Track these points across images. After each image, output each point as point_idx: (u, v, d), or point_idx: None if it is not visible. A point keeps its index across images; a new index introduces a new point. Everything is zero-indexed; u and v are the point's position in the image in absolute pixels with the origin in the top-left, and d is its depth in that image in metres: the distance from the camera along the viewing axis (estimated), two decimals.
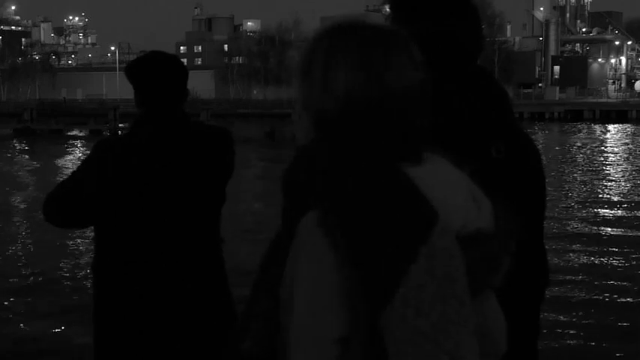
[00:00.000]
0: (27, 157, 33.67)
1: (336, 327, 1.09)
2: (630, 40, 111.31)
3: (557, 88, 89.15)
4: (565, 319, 7.78)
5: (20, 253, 11.72)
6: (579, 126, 57.27)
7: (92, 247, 2.98)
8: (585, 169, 26.52)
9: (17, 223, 14.74)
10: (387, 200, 1.09)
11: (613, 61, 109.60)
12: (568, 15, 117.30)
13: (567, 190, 19.82)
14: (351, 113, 1.17)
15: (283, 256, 1.18)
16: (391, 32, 1.22)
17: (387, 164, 1.14)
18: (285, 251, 1.17)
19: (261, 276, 1.25)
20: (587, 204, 17.37)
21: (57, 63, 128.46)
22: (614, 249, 11.94)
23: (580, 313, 8.09)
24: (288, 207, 1.19)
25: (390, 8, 1.84)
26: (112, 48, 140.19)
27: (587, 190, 20.13)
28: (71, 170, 2.85)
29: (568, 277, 9.63)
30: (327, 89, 1.19)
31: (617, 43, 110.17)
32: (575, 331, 7.45)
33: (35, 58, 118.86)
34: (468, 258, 1.16)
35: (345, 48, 1.19)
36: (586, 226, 14.16)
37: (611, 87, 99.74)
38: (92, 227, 2.84)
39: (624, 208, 16.89)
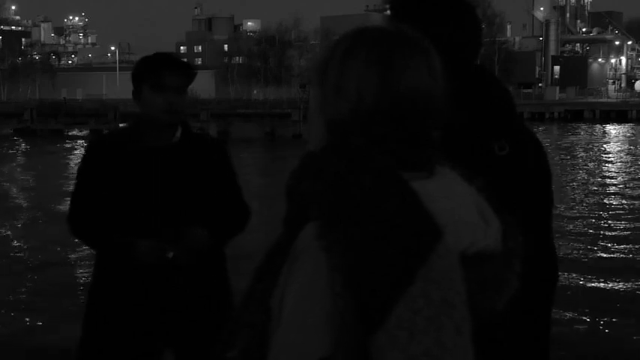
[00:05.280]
0: (27, 157, 33.66)
1: (320, 346, 1.06)
2: (630, 40, 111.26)
3: (557, 88, 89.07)
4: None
5: (21, 254, 11.72)
6: (579, 126, 57.26)
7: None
8: (585, 169, 26.52)
9: (17, 224, 14.74)
10: (389, 216, 1.05)
11: (613, 61, 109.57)
12: (568, 15, 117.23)
13: (567, 191, 19.82)
14: (361, 116, 1.16)
15: (279, 265, 1.14)
16: (410, 38, 1.20)
17: (394, 178, 1.10)
18: (282, 261, 1.13)
19: (254, 284, 1.20)
20: (587, 206, 17.36)
21: (57, 63, 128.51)
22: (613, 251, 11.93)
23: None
24: (290, 215, 1.17)
25: (390, 10, 1.85)
26: (112, 48, 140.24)
27: (587, 191, 20.12)
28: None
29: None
30: (340, 90, 1.17)
31: (617, 43, 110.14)
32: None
33: (35, 58, 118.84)
34: (473, 278, 1.12)
35: (361, 50, 1.18)
36: (586, 228, 14.15)
37: (611, 87, 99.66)
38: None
39: (625, 212, 16.88)
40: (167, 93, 2.77)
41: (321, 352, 1.05)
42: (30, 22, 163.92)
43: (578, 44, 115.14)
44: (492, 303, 1.19)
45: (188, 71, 2.85)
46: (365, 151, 1.12)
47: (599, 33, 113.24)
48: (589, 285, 9.48)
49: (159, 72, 2.78)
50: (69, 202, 2.94)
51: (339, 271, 1.04)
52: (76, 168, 2.96)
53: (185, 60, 3.01)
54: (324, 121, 1.20)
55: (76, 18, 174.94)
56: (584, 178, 23.30)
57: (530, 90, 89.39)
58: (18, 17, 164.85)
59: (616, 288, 9.33)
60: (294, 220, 1.14)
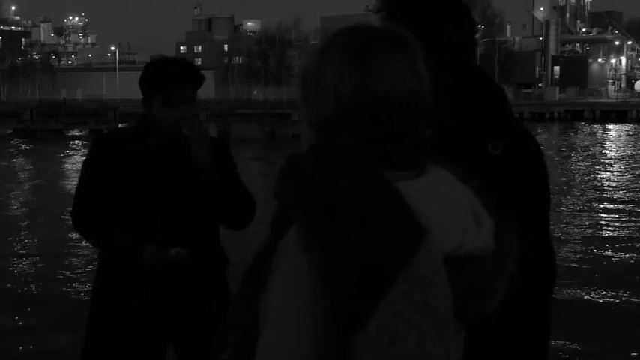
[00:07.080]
0: (27, 157, 33.66)
1: (303, 349, 1.05)
2: (630, 40, 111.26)
3: (557, 88, 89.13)
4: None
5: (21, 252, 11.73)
6: (579, 126, 57.26)
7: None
8: (585, 169, 26.53)
9: (17, 225, 14.74)
10: (369, 217, 1.03)
11: (613, 61, 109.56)
12: (568, 15, 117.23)
13: (566, 191, 19.82)
14: (341, 114, 1.15)
15: (267, 268, 1.13)
16: (391, 37, 1.18)
17: (373, 178, 1.08)
18: (269, 263, 1.13)
19: (242, 288, 1.20)
20: (587, 207, 17.37)
21: (57, 63, 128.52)
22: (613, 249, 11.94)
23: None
24: (276, 217, 1.17)
25: (389, 11, 1.84)
26: (112, 48, 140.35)
27: (587, 194, 20.13)
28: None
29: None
30: (320, 89, 1.17)
31: (617, 43, 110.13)
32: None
33: (35, 58, 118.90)
34: (461, 280, 1.11)
35: (340, 47, 1.17)
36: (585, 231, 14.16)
37: (611, 87, 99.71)
38: None
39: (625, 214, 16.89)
40: (178, 108, 2.78)
41: (303, 355, 1.05)
42: (30, 22, 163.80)
43: (578, 44, 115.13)
44: (481, 306, 1.17)
45: (197, 82, 2.85)
46: (345, 152, 1.11)
47: (599, 33, 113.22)
48: (587, 283, 9.50)
49: (169, 89, 2.77)
50: (73, 198, 2.94)
51: (318, 273, 1.03)
52: (81, 164, 2.96)
53: (191, 62, 2.98)
54: (307, 121, 1.20)
55: (76, 18, 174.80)
56: (584, 178, 23.30)
57: (530, 90, 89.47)
58: (18, 17, 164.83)
59: (616, 286, 9.34)
60: (280, 222, 1.13)
